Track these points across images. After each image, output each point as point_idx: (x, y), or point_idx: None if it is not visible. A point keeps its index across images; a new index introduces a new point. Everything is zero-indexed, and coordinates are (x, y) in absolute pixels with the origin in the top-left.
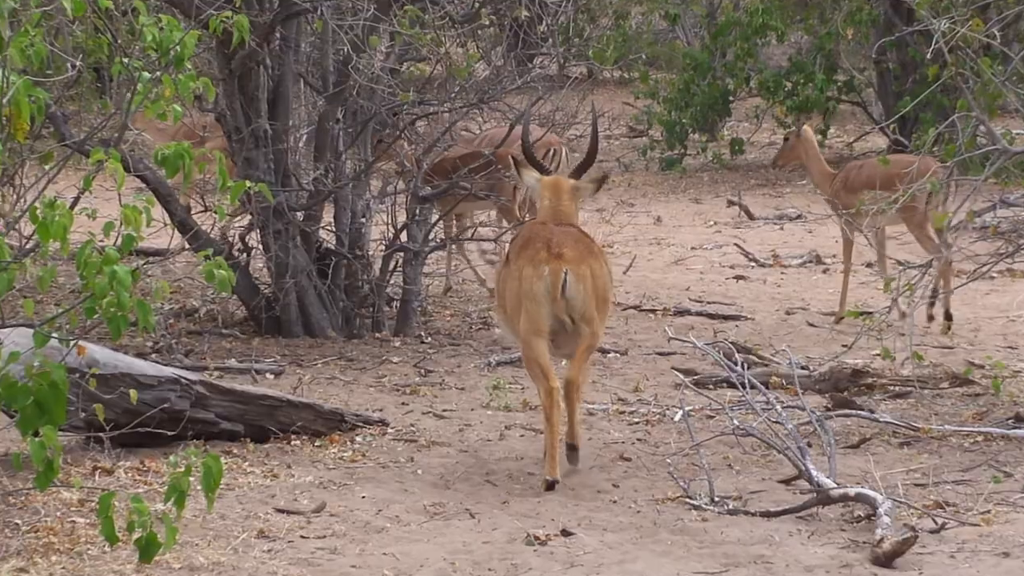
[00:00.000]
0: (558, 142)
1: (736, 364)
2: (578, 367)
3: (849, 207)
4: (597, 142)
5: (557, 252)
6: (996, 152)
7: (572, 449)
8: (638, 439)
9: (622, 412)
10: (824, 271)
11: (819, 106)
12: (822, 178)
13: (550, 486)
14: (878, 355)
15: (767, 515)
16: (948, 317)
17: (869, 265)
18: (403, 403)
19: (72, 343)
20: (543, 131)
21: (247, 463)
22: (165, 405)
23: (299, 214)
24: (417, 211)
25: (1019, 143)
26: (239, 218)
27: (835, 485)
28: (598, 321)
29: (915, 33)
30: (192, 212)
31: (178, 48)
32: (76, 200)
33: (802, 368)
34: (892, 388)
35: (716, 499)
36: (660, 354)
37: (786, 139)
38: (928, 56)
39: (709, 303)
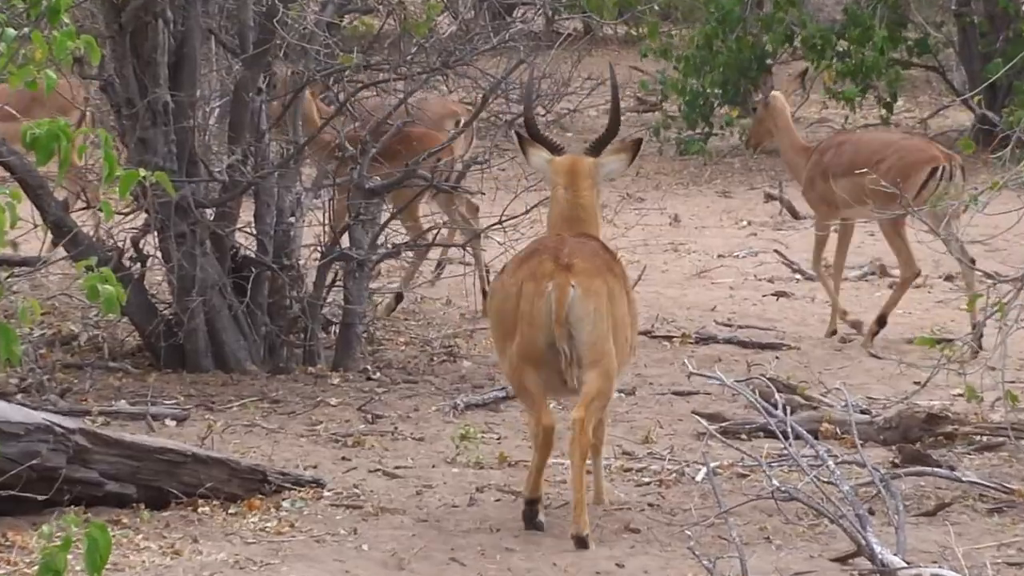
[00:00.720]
0: (462, 111)
1: (776, 407)
2: (585, 408)
3: (824, 199)
4: (619, 108)
5: (566, 263)
6: None
7: (580, 543)
8: (649, 504)
9: (628, 469)
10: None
11: (881, 72)
12: (796, 158)
13: (531, 507)
14: (960, 395)
15: None
16: (880, 323)
17: (949, 278)
18: (344, 458)
19: None
20: (441, 98)
21: (141, 536)
22: (35, 461)
23: (209, 212)
24: (362, 208)
25: None
26: (131, 217)
27: (905, 564)
28: (612, 359)
29: None
30: (71, 209)
31: None
32: None
33: (862, 412)
34: (979, 438)
35: None
36: (677, 394)
37: (753, 109)
38: None
39: (741, 327)
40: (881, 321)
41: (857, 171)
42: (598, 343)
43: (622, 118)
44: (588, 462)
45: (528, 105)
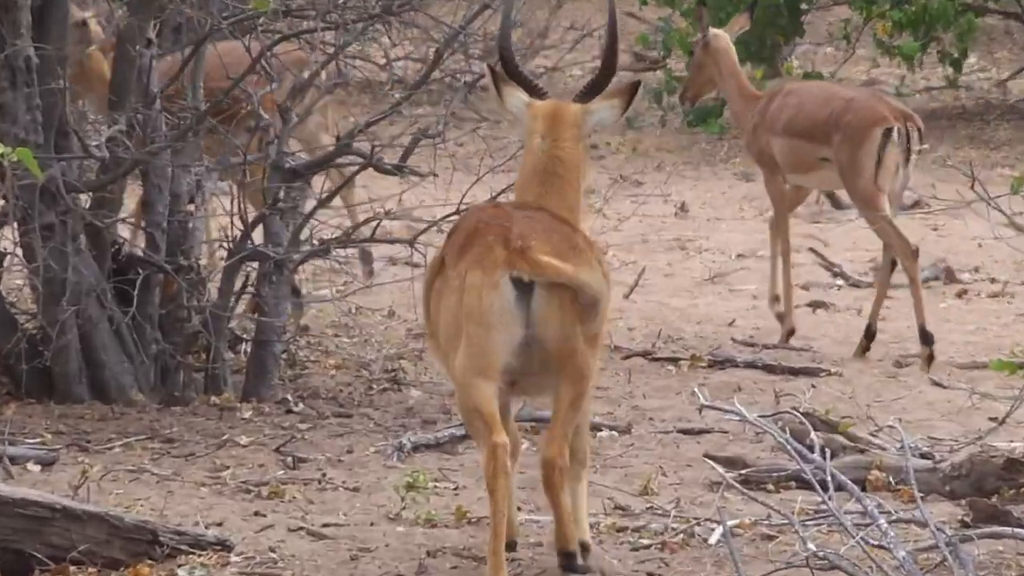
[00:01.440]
0: None
1: (812, 449)
2: (559, 436)
3: (765, 157)
4: (615, 47)
5: (521, 247)
6: None
7: (566, 557)
8: (648, 574)
9: (622, 529)
10: (960, 294)
11: (950, 21)
12: (743, 108)
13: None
14: None
15: None
16: (868, 335)
17: None
18: (257, 513)
19: None
20: None
21: None
22: None
23: (85, 198)
24: (281, 193)
25: None
26: None
27: None
28: (588, 359)
29: None
30: None
31: None
32: None
33: (922, 456)
34: None
35: None
36: (685, 432)
37: (691, 52)
38: None
39: (767, 347)
40: (927, 337)
41: (797, 135)
42: (566, 341)
43: (614, 79)
44: None
45: (505, 34)
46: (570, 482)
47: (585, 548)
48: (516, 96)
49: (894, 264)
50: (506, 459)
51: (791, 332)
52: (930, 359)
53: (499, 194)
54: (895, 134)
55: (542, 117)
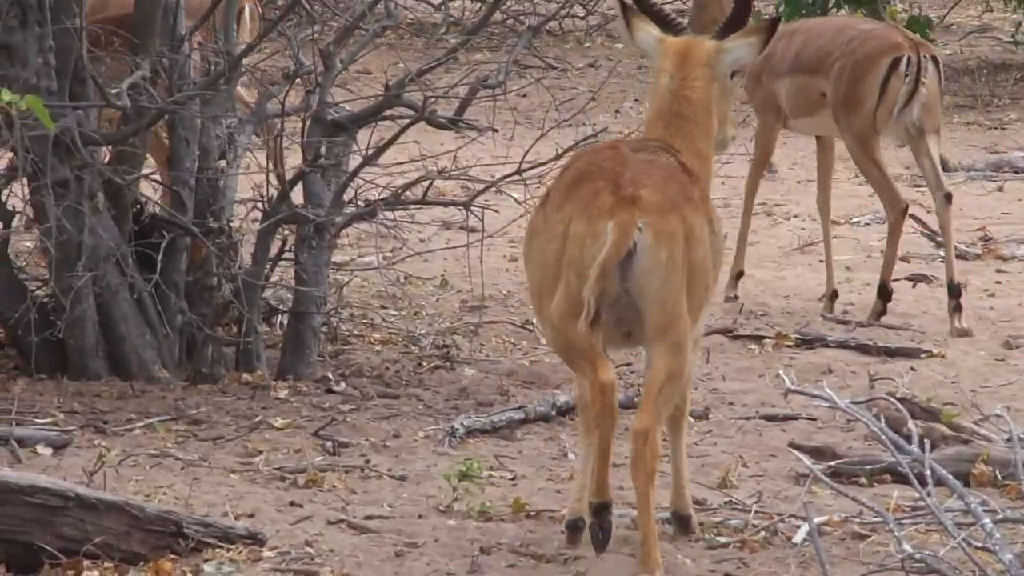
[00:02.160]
0: None
1: (910, 440)
2: (650, 409)
3: (769, 104)
4: None
5: (631, 195)
6: None
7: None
8: (726, 574)
9: (699, 524)
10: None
11: None
12: None
13: (573, 527)
14: None
15: None
16: (882, 295)
17: None
18: (292, 503)
19: None
20: None
21: None
22: None
23: (103, 152)
24: (323, 149)
25: None
26: None
27: None
28: (685, 326)
29: None
30: None
31: None
32: None
33: None
34: None
35: None
36: (769, 418)
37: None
38: None
39: (861, 325)
40: (883, 293)
41: (803, 71)
42: (668, 304)
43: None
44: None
45: None
46: (670, 429)
47: (685, 525)
48: (647, 31)
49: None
50: (613, 399)
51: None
52: (878, 316)
53: (566, 151)
54: (903, 65)
55: (672, 54)
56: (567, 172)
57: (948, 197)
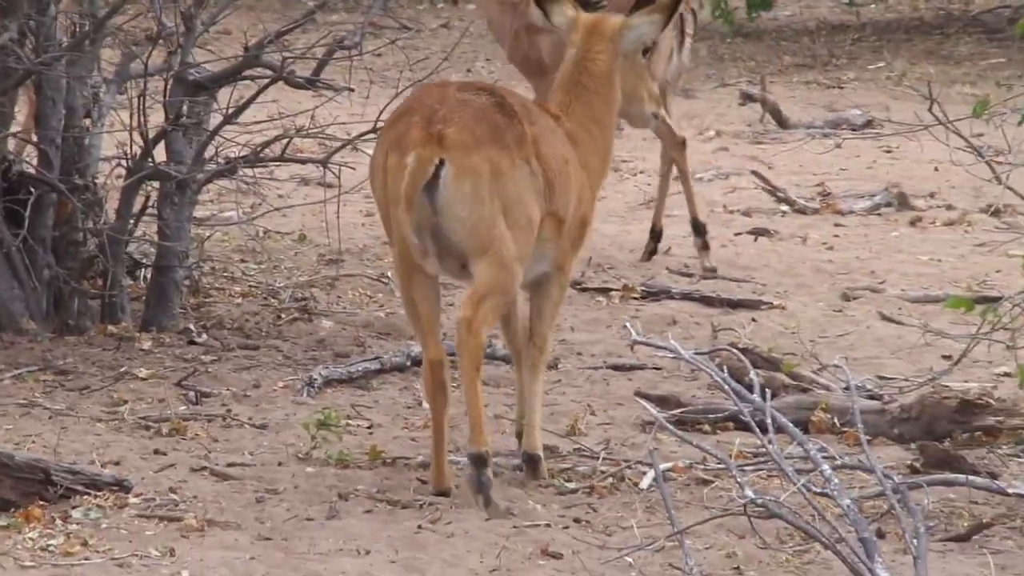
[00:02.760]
0: None
1: (751, 388)
2: (474, 303)
3: (532, 62)
4: None
5: (437, 132)
6: None
7: (478, 461)
8: (575, 520)
9: (548, 471)
10: (914, 222)
11: None
12: (500, 13)
13: (478, 461)
14: (1007, 375)
15: None
16: (654, 236)
17: (996, 212)
18: (157, 451)
19: None
20: None
21: None
22: None
23: None
24: (184, 108)
25: None
26: None
27: None
28: (506, 245)
29: None
30: None
31: None
32: None
33: (870, 397)
34: None
35: None
36: (616, 368)
37: None
38: None
39: (705, 278)
40: (654, 232)
41: None
42: (480, 231)
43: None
44: None
45: None
46: (527, 370)
47: (533, 465)
48: (563, 11)
49: (670, 162)
50: (441, 375)
51: None
52: (650, 255)
53: None
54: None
55: (581, 28)
56: (398, 108)
57: (683, 143)
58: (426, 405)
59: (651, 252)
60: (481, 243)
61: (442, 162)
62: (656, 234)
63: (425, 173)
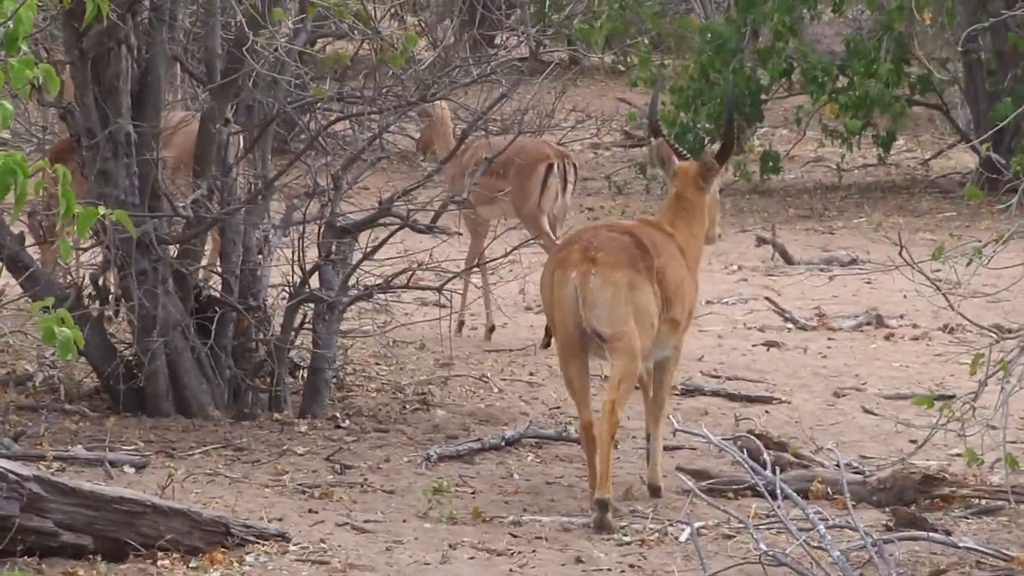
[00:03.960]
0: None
1: (764, 465)
2: (614, 389)
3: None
4: (733, 120)
5: (591, 256)
6: None
7: (602, 506)
8: (630, 566)
9: (612, 525)
10: (888, 337)
11: (885, 107)
12: (449, 165)
13: (602, 506)
14: (959, 455)
15: None
16: (548, 334)
17: (950, 330)
18: (310, 510)
19: None
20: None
21: None
22: None
23: (172, 249)
24: (333, 247)
25: None
26: (91, 253)
27: None
28: (636, 341)
29: (1017, 15)
30: (27, 244)
31: (11, 24)
32: None
33: (855, 472)
34: (977, 501)
35: None
36: (664, 449)
37: (427, 116)
38: None
39: (729, 379)
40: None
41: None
42: (616, 327)
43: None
44: None
45: (654, 110)
46: (651, 422)
47: (655, 492)
48: (672, 160)
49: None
50: (592, 434)
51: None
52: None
53: (514, 249)
54: (555, 168)
55: (680, 174)
56: (562, 242)
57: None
58: (516, 476)
59: (546, 345)
60: (617, 336)
61: (595, 273)
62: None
63: (585, 284)
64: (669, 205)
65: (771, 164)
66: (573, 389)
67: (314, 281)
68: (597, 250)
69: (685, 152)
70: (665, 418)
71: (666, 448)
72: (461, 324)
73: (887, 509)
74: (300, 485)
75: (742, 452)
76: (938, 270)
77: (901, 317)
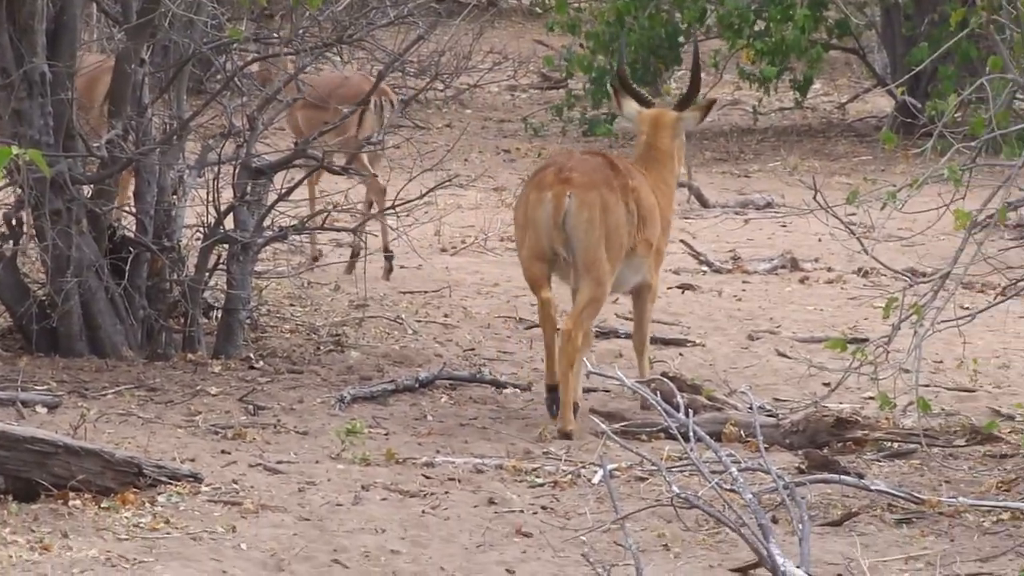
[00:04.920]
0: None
1: (677, 408)
2: (575, 318)
3: (292, 127)
4: (699, 69)
5: (565, 177)
6: None
7: (565, 436)
8: (543, 507)
9: (521, 470)
10: (802, 280)
11: (801, 52)
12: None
13: (565, 436)
14: (872, 399)
15: None
16: (387, 257)
17: (864, 274)
18: (223, 451)
19: None
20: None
21: (8, 529)
22: None
23: (86, 189)
24: (248, 188)
25: None
26: (3, 193)
27: None
28: (606, 266)
29: None
30: None
31: None
32: None
33: (768, 415)
34: (889, 445)
35: None
36: None
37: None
38: None
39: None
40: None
41: (309, 106)
42: (589, 251)
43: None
44: None
45: (621, 61)
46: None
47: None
48: (630, 106)
49: (371, 203)
50: (549, 310)
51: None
52: (388, 273)
53: (429, 191)
54: (372, 105)
55: (647, 122)
56: (539, 165)
57: (384, 190)
58: (430, 417)
59: (388, 271)
60: (590, 260)
61: (570, 195)
62: (388, 256)
63: (560, 205)
64: (640, 153)
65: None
66: (534, 282)
67: (229, 222)
68: (571, 171)
69: (647, 97)
70: (647, 343)
71: (582, 391)
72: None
73: (800, 452)
74: (213, 426)
75: (656, 394)
76: (853, 214)
77: (816, 261)
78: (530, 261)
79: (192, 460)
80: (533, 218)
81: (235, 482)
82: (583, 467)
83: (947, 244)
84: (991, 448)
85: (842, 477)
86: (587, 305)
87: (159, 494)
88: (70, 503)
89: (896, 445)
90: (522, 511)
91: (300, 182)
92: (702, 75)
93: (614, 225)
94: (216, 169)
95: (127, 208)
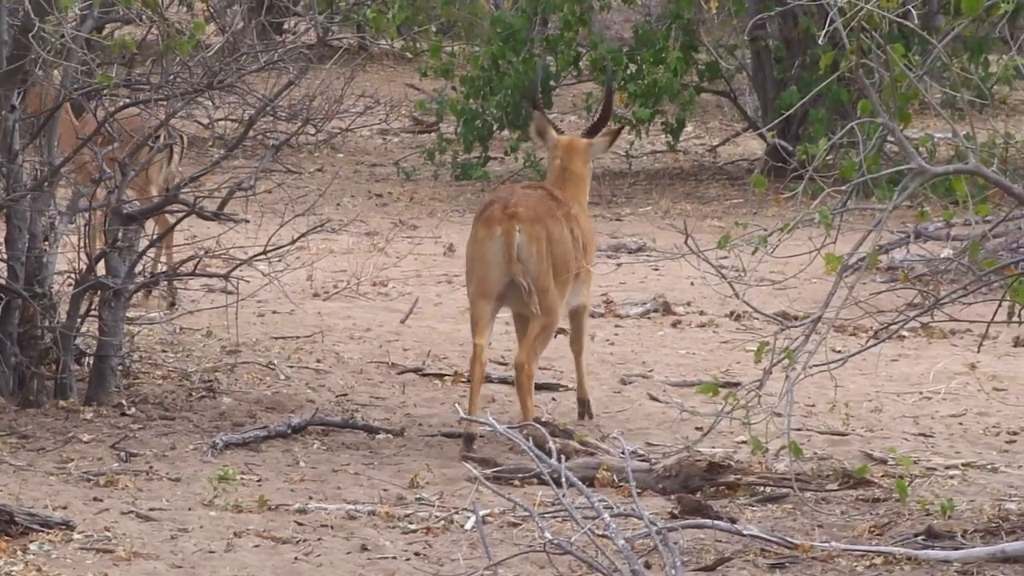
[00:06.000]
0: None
1: (549, 453)
2: (527, 349)
3: (84, 174)
4: (612, 98)
5: (511, 212)
6: (910, 171)
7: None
8: (416, 554)
9: (394, 516)
10: (675, 324)
11: (673, 95)
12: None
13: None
14: (745, 443)
15: None
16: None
17: (737, 318)
18: (95, 498)
19: None
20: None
21: None
22: None
23: None
24: (120, 234)
25: (940, 154)
26: None
27: None
28: (555, 295)
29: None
30: None
31: None
32: None
33: (641, 460)
34: (762, 489)
35: None
36: (448, 436)
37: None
38: (821, 37)
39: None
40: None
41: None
42: (539, 281)
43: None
44: None
45: (536, 95)
46: (577, 356)
47: (586, 404)
48: (550, 131)
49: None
50: (481, 355)
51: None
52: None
53: (301, 236)
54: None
55: (562, 147)
56: (483, 201)
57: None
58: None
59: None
60: (539, 290)
61: (519, 230)
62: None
63: (511, 241)
64: (555, 176)
65: None
66: (476, 323)
67: (100, 269)
68: (517, 205)
69: (559, 127)
70: (585, 349)
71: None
72: None
73: (672, 497)
74: (85, 473)
75: (528, 440)
76: (724, 257)
77: (688, 304)
78: (476, 298)
79: (64, 507)
80: (482, 255)
81: (107, 529)
82: (456, 513)
83: (819, 287)
84: (863, 492)
85: (715, 522)
86: (539, 334)
87: (31, 542)
88: None
89: (769, 489)
90: (395, 557)
91: (172, 227)
92: (573, 118)
93: (561, 254)
94: (88, 215)
95: None
